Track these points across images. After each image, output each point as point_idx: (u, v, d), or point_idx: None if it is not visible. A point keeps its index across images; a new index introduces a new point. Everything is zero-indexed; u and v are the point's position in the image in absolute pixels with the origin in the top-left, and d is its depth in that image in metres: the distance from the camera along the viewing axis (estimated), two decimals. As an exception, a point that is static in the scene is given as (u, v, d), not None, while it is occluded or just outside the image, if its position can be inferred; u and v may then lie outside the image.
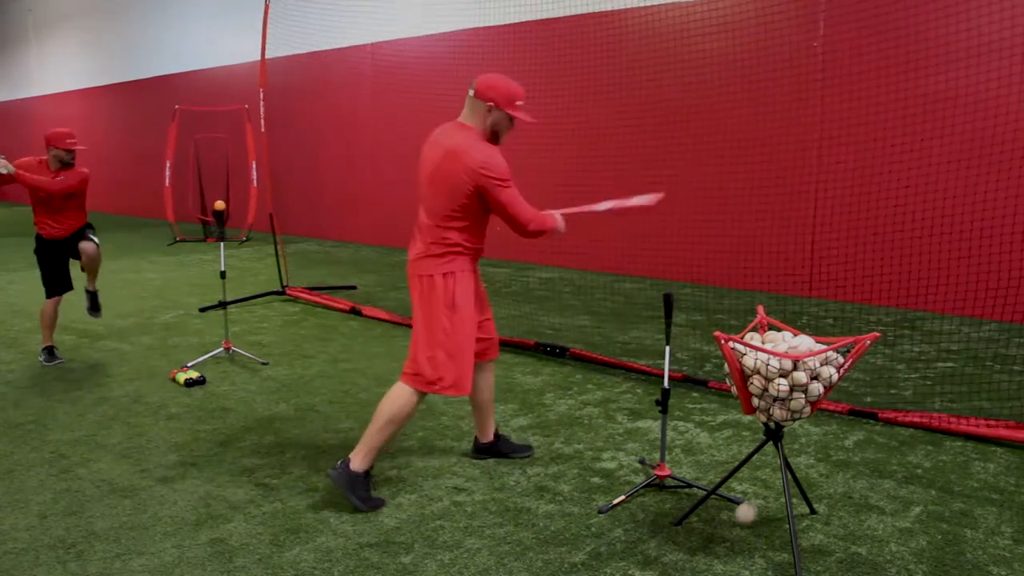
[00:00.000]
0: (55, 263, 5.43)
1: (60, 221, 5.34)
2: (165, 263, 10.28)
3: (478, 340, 3.37)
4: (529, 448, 3.73)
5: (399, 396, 3.21)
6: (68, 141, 5.18)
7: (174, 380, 4.91)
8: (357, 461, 3.19)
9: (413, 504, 3.23)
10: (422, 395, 3.23)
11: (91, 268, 5.53)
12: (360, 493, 3.17)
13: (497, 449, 3.67)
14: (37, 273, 5.51)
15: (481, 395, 3.56)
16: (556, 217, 3.28)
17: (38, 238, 5.41)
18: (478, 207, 3.15)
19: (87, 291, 5.69)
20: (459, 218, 3.15)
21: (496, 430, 3.68)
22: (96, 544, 2.92)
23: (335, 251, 11.42)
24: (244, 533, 3.00)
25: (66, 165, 5.23)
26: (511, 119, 3.18)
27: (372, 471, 3.32)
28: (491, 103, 3.12)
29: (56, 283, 5.43)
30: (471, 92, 3.17)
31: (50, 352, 5.43)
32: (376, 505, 3.19)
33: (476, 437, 3.69)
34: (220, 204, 10.29)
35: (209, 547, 2.90)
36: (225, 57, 14.13)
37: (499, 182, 3.07)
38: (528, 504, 3.22)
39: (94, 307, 5.72)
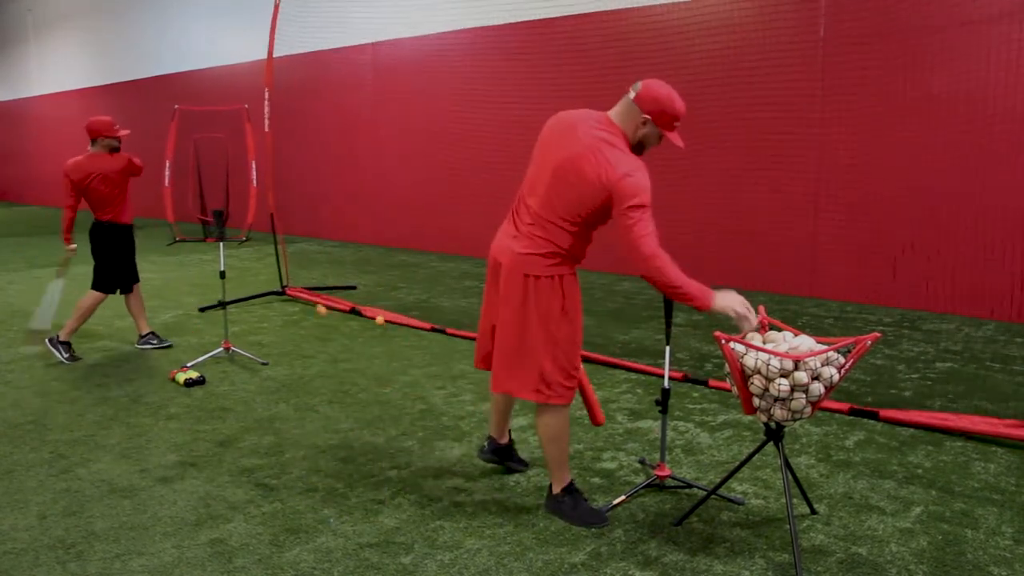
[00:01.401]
0: (130, 252, 5.58)
1: (129, 204, 5.58)
2: (165, 263, 10.28)
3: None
4: (527, 464, 3.60)
5: (548, 418, 3.06)
6: (115, 128, 5.50)
7: (174, 380, 4.90)
8: (554, 484, 3.13)
9: (413, 504, 3.23)
10: (566, 406, 3.06)
11: (140, 308, 5.77)
12: (574, 514, 3.07)
13: (509, 454, 3.54)
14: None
15: (507, 400, 3.43)
16: (704, 288, 2.83)
17: (115, 228, 5.50)
18: (599, 220, 2.94)
19: (145, 335, 5.80)
20: (579, 226, 2.93)
21: (510, 432, 3.58)
22: (96, 544, 2.92)
23: (335, 251, 11.42)
24: (244, 533, 2.99)
25: (114, 151, 5.46)
26: (661, 137, 2.97)
27: (575, 484, 3.17)
28: (648, 116, 2.89)
29: (129, 275, 5.57)
30: (632, 94, 2.93)
31: (69, 348, 5.43)
32: (599, 519, 3.05)
33: (492, 437, 3.50)
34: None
35: (209, 547, 2.89)
36: (225, 57, 14.13)
37: (639, 201, 2.81)
38: (528, 504, 3.22)
39: (162, 342, 5.83)
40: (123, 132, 5.53)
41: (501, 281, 3.06)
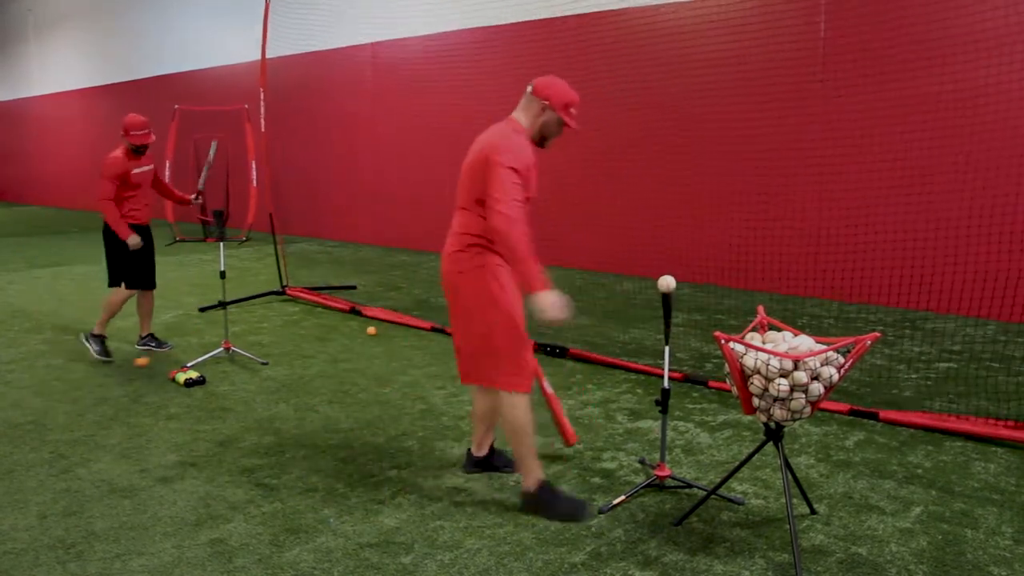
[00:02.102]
0: (147, 252, 5.51)
1: (145, 204, 5.54)
2: (165, 263, 10.27)
3: None
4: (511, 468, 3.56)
5: (507, 407, 3.12)
6: (144, 134, 5.38)
7: (174, 380, 4.90)
8: (525, 480, 3.15)
9: (413, 504, 3.23)
10: (526, 395, 3.11)
11: (148, 312, 5.75)
12: (551, 508, 3.08)
13: (490, 463, 3.53)
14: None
15: (482, 406, 3.42)
16: (542, 275, 2.92)
17: (134, 228, 5.44)
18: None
19: (145, 337, 5.79)
20: (481, 208, 3.03)
21: (492, 444, 3.54)
22: (96, 544, 2.92)
23: (335, 251, 11.42)
24: (244, 533, 3.00)
25: (140, 153, 5.43)
26: (560, 124, 3.12)
27: (547, 479, 3.20)
28: (547, 102, 3.08)
29: (146, 274, 5.52)
30: (529, 89, 3.13)
31: (103, 344, 5.43)
32: (580, 508, 3.08)
33: (469, 450, 3.54)
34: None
35: (209, 547, 2.89)
36: (225, 57, 14.13)
37: (500, 162, 2.92)
38: (528, 504, 3.22)
39: (160, 343, 5.81)
40: (148, 138, 5.39)
41: (444, 287, 3.22)
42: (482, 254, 3.07)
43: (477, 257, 3.07)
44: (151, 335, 5.80)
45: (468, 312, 3.12)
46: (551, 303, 2.89)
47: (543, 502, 3.11)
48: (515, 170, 2.95)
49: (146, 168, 5.46)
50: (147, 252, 5.52)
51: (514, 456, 3.18)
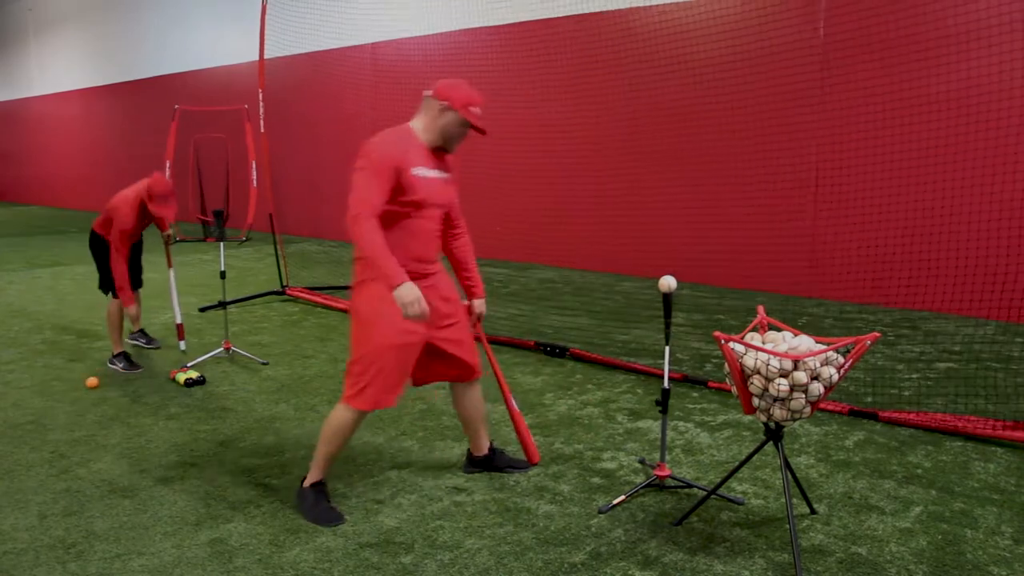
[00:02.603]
0: (133, 257, 5.34)
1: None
2: (164, 263, 10.26)
3: (449, 364, 3.27)
4: (526, 464, 3.58)
5: (335, 415, 3.13)
6: (163, 205, 5.04)
7: (174, 380, 4.90)
8: (308, 476, 3.20)
9: (413, 504, 3.23)
10: (357, 411, 3.08)
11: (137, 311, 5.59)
12: (309, 509, 3.13)
13: (492, 463, 3.53)
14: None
15: (464, 411, 3.45)
16: (398, 270, 2.87)
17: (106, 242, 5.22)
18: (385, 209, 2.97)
19: (135, 333, 5.77)
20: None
21: (491, 444, 3.56)
22: (96, 544, 2.92)
23: (335, 251, 11.41)
24: (244, 533, 3.00)
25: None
26: (462, 126, 3.04)
27: (326, 485, 3.23)
28: (446, 102, 3.00)
29: (134, 277, 5.36)
30: (428, 93, 3.06)
31: (128, 359, 5.23)
32: (331, 519, 3.08)
33: (468, 451, 3.56)
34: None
35: (209, 547, 2.90)
36: (225, 57, 14.13)
37: (355, 167, 2.91)
38: (528, 504, 3.22)
39: (150, 340, 5.78)
40: (166, 210, 5.10)
41: None
42: (367, 268, 3.04)
43: (364, 271, 3.05)
44: (141, 331, 5.80)
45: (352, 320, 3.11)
46: (406, 299, 2.86)
47: (308, 501, 3.14)
48: (367, 167, 2.89)
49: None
50: (134, 258, 5.39)
51: (316, 450, 3.18)
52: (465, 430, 3.53)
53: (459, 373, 3.34)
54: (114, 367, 5.21)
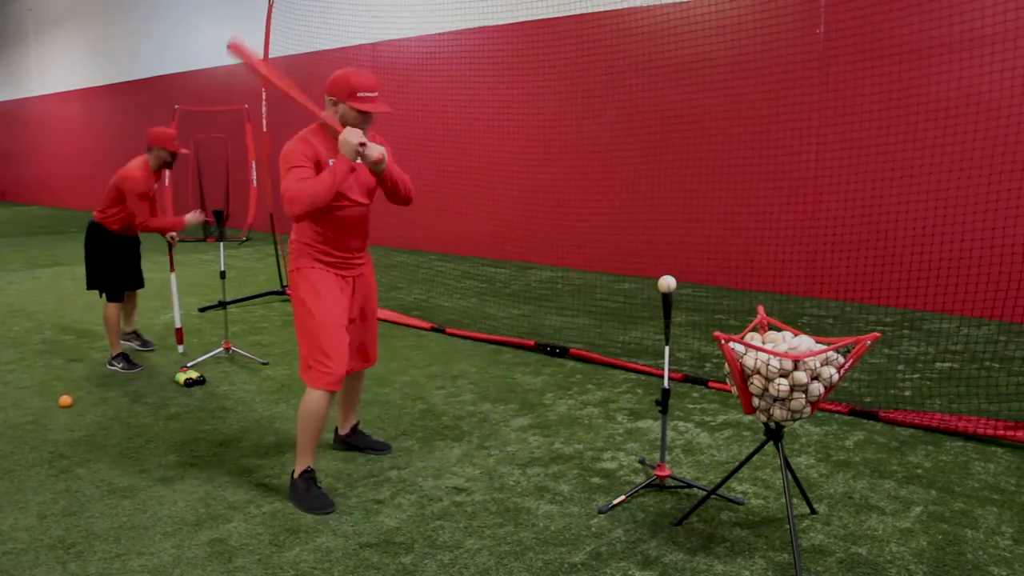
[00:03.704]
0: (130, 258, 5.35)
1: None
2: (165, 263, 10.26)
3: (358, 356, 3.50)
4: (387, 446, 3.80)
5: (304, 400, 3.25)
6: (176, 143, 5.14)
7: (174, 380, 4.90)
8: (296, 467, 3.28)
9: (413, 504, 3.23)
10: (321, 392, 3.20)
11: (132, 311, 5.68)
12: (300, 498, 3.21)
13: (351, 443, 3.78)
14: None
15: (349, 393, 3.72)
16: (341, 173, 3.08)
17: (107, 234, 5.20)
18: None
19: (128, 333, 5.73)
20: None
21: (356, 425, 3.80)
22: (96, 544, 2.92)
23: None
24: (244, 533, 3.00)
25: (167, 166, 5.20)
26: (359, 112, 3.13)
27: (313, 472, 3.32)
28: (333, 97, 3.16)
29: (131, 279, 5.38)
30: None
31: (127, 359, 5.24)
32: (321, 506, 3.17)
33: (336, 428, 3.82)
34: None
35: (209, 547, 2.89)
36: (225, 57, 14.09)
37: (284, 170, 3.09)
38: (528, 504, 3.22)
39: (145, 342, 5.78)
40: (183, 149, 5.23)
41: None
42: (299, 257, 3.26)
43: (295, 260, 3.27)
44: (135, 332, 5.77)
45: (294, 308, 3.30)
46: (351, 137, 3.04)
47: (300, 490, 3.22)
48: (294, 168, 3.08)
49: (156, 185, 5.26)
50: (132, 259, 5.41)
51: (296, 438, 3.30)
52: (340, 408, 3.76)
53: (363, 364, 3.59)
54: (113, 368, 5.21)
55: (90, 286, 5.29)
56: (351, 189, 3.24)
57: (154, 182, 5.18)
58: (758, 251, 7.71)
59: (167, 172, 12.64)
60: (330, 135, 3.20)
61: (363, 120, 3.17)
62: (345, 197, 3.21)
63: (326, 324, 3.18)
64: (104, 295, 5.24)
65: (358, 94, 3.12)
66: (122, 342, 5.63)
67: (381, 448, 3.78)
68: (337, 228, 3.25)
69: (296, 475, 3.27)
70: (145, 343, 5.76)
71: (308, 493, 3.21)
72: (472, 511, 3.17)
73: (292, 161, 3.09)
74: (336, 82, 3.16)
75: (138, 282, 5.52)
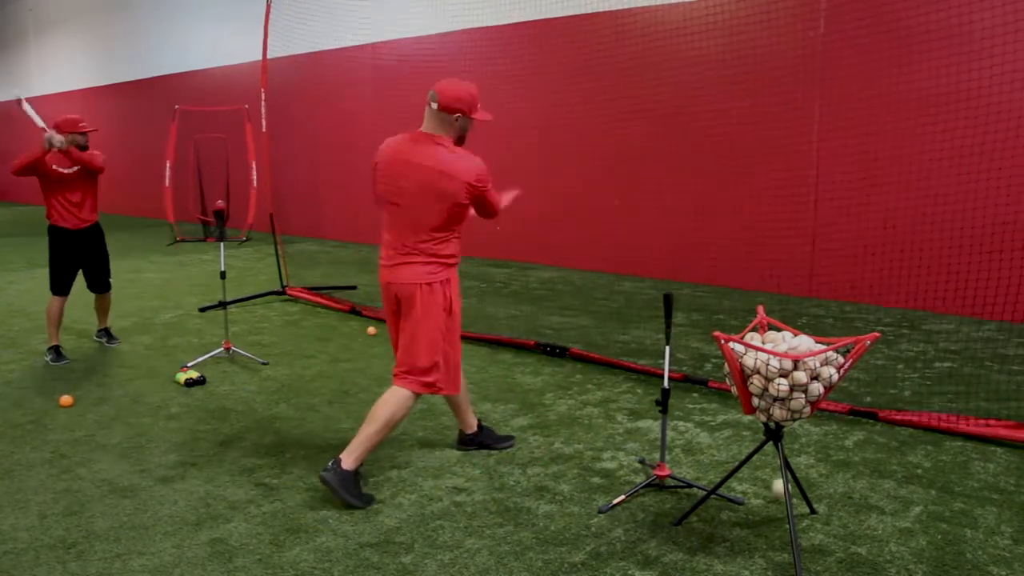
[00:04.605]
0: (69, 260, 5.46)
1: (79, 210, 5.42)
2: (165, 263, 10.28)
3: None
4: (510, 439, 3.87)
5: (397, 399, 3.31)
6: (81, 125, 5.31)
7: (174, 380, 4.91)
8: (349, 461, 3.24)
9: (413, 504, 3.24)
10: (418, 396, 3.37)
11: (104, 310, 5.82)
12: (352, 491, 3.21)
13: (480, 440, 3.78)
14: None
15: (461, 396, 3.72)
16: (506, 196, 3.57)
17: (54, 231, 5.43)
18: (464, 217, 3.38)
19: (101, 330, 5.93)
20: (454, 231, 3.35)
21: (480, 422, 3.83)
22: (96, 544, 2.92)
23: (335, 251, 11.42)
24: (244, 533, 3.00)
25: (82, 149, 5.33)
26: (472, 120, 3.36)
27: (360, 469, 3.38)
28: (458, 114, 3.28)
29: (66, 281, 5.47)
30: (434, 106, 3.28)
31: (57, 351, 5.43)
32: (368, 501, 3.23)
33: (460, 429, 3.81)
34: (220, 203, 10.25)
35: (209, 547, 2.90)
36: (225, 57, 14.13)
37: (489, 187, 3.32)
38: (528, 504, 3.23)
39: (112, 338, 5.90)
40: (89, 127, 5.38)
41: (401, 301, 3.38)
42: (445, 270, 3.37)
43: (444, 272, 3.36)
44: (106, 329, 5.94)
45: (427, 318, 3.35)
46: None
47: (344, 481, 3.21)
48: (491, 185, 3.35)
49: (71, 170, 5.32)
50: (98, 260, 5.55)
51: (363, 435, 3.29)
52: (454, 411, 3.79)
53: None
54: (47, 358, 5.41)
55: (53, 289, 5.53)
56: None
57: (66, 164, 5.32)
58: (758, 251, 7.71)
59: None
60: (443, 138, 3.34)
61: (470, 126, 3.39)
62: None
63: (457, 339, 3.43)
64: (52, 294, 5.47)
65: (478, 105, 3.33)
66: (94, 337, 5.92)
67: (508, 440, 3.85)
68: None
69: (350, 468, 3.25)
70: (112, 339, 5.91)
71: (358, 489, 3.25)
72: (472, 511, 3.17)
73: (487, 181, 3.32)
74: (460, 99, 3.28)
75: (103, 286, 5.66)
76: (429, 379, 3.34)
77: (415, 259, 3.30)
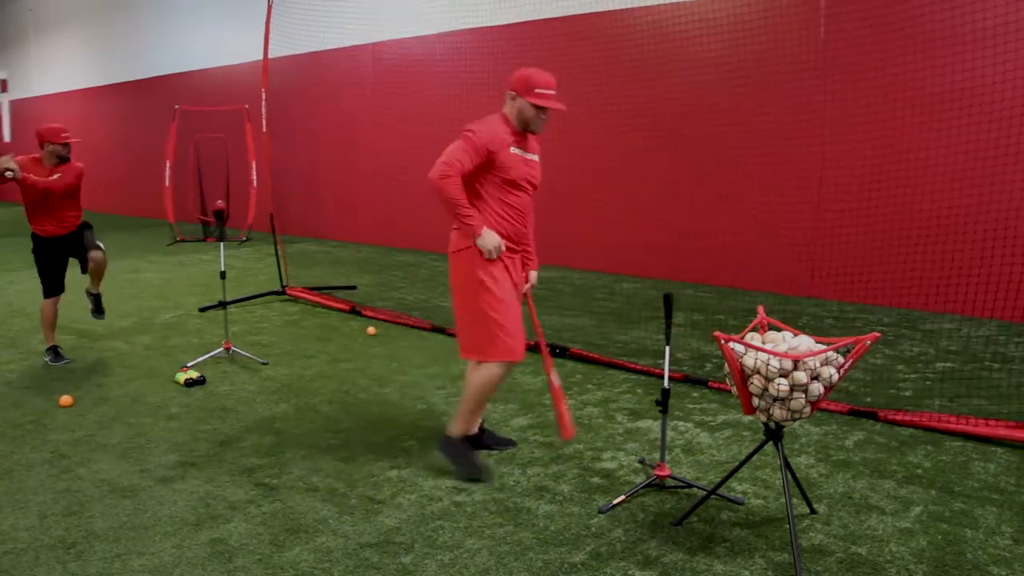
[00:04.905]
0: (55, 263, 5.43)
1: (60, 219, 5.35)
2: (165, 263, 10.28)
3: None
4: (512, 442, 3.83)
5: (479, 372, 3.41)
6: (63, 136, 5.19)
7: (174, 380, 4.90)
8: (456, 427, 3.43)
9: (413, 504, 3.23)
10: (500, 363, 3.40)
11: (98, 274, 5.57)
12: (456, 456, 3.41)
13: (482, 442, 3.74)
14: (36, 272, 5.52)
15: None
16: (477, 218, 3.31)
17: (36, 238, 5.42)
18: (484, 181, 3.34)
19: (90, 293, 5.70)
20: (475, 195, 3.34)
21: (482, 424, 3.78)
22: (96, 544, 2.92)
23: (335, 251, 11.42)
24: (244, 533, 3.00)
25: (62, 160, 5.24)
26: (536, 108, 3.33)
27: (471, 438, 3.53)
28: (513, 91, 3.35)
29: (55, 283, 5.43)
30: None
31: (56, 352, 5.42)
32: (475, 469, 3.37)
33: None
34: (220, 203, 10.28)
35: (209, 547, 2.89)
36: (225, 57, 14.13)
37: (465, 132, 3.28)
38: (528, 504, 3.22)
39: (98, 309, 5.75)
40: (72, 139, 5.27)
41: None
42: (464, 238, 3.36)
43: (462, 241, 3.37)
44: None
45: (455, 289, 3.45)
46: (488, 244, 3.29)
47: (457, 450, 3.40)
48: (468, 139, 3.25)
49: (55, 177, 5.24)
50: (59, 257, 5.47)
51: (462, 404, 3.45)
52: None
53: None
54: (46, 359, 5.39)
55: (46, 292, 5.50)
56: (526, 173, 3.41)
57: (47, 175, 5.24)
58: (758, 251, 7.71)
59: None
60: (511, 125, 3.39)
61: (538, 114, 3.37)
62: (518, 185, 3.38)
63: (507, 302, 3.35)
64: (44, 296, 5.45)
65: (536, 90, 3.32)
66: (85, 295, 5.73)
67: (510, 444, 3.82)
68: (512, 213, 3.40)
69: (454, 435, 3.35)
70: (98, 310, 5.74)
71: (466, 456, 3.35)
72: (472, 511, 3.17)
73: (476, 136, 3.26)
74: (518, 78, 3.36)
75: (62, 286, 5.52)
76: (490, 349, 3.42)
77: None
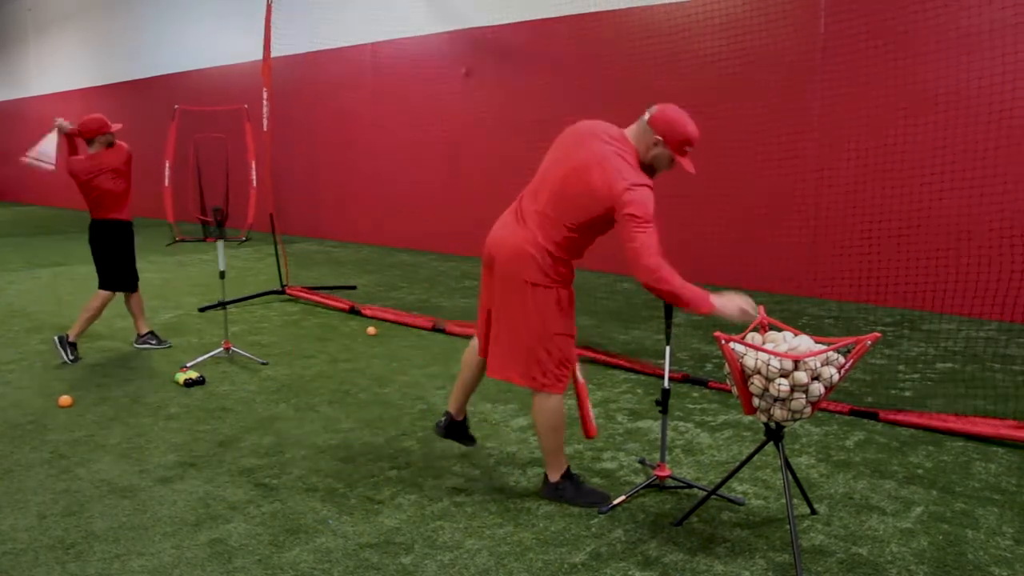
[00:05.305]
0: (132, 250, 5.65)
1: (130, 200, 5.68)
2: (165, 263, 10.28)
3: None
4: (472, 443, 3.68)
5: (545, 406, 3.18)
6: (112, 125, 5.76)
7: (174, 380, 4.90)
8: (551, 473, 3.26)
9: (413, 504, 3.23)
10: (560, 396, 3.21)
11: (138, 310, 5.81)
12: (577, 495, 3.22)
13: (460, 429, 3.59)
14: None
15: (474, 374, 3.48)
16: (702, 293, 2.86)
17: (127, 226, 5.58)
18: (601, 229, 3.06)
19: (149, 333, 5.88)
20: (582, 231, 3.05)
21: (466, 412, 3.64)
22: (95, 544, 2.92)
23: (335, 251, 11.41)
24: (244, 533, 2.99)
25: (110, 147, 5.64)
26: (672, 161, 3.04)
27: (571, 470, 3.32)
28: (660, 138, 2.98)
29: (132, 273, 5.63)
30: (647, 116, 3.03)
31: (75, 348, 5.43)
32: (597, 498, 3.21)
33: (449, 413, 3.55)
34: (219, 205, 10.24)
35: (209, 547, 2.89)
36: (225, 57, 14.13)
37: (637, 221, 2.88)
38: (528, 504, 3.22)
39: (160, 341, 5.88)
40: (116, 126, 5.70)
41: (496, 273, 3.17)
42: (556, 265, 3.07)
43: (551, 271, 3.06)
44: (151, 332, 5.87)
45: (529, 314, 3.09)
46: (732, 304, 2.88)
47: (569, 491, 3.23)
48: (646, 220, 2.90)
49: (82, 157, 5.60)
50: (127, 258, 5.64)
51: (543, 448, 3.27)
52: (458, 391, 3.52)
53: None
54: (60, 348, 5.39)
55: (104, 286, 5.60)
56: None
57: (104, 167, 5.60)
58: (758, 250, 7.71)
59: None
60: (637, 159, 3.02)
61: (670, 166, 3.07)
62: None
63: (571, 338, 3.19)
64: (112, 288, 5.59)
65: (687, 148, 3.02)
66: (136, 346, 5.80)
67: (472, 442, 3.67)
68: (585, 250, 3.17)
69: (558, 479, 3.23)
70: (161, 341, 5.85)
71: (582, 490, 3.24)
72: (472, 511, 3.17)
73: (648, 213, 2.89)
74: (672, 125, 2.98)
75: (135, 277, 5.70)
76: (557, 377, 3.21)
77: (530, 236, 3.15)
